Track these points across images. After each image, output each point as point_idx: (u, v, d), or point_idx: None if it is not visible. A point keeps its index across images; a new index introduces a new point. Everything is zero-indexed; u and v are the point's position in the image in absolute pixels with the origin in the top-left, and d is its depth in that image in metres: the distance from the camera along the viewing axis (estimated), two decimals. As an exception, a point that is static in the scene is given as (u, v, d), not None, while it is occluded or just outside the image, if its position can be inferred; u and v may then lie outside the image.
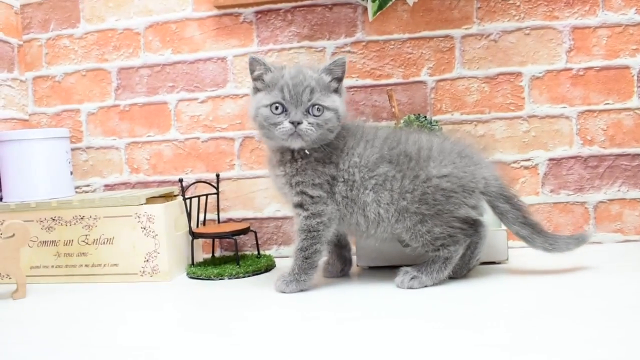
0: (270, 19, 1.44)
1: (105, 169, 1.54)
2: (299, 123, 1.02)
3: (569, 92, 1.36)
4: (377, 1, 1.36)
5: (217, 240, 1.47)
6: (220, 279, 1.24)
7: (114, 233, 1.27)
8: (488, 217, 1.22)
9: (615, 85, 1.35)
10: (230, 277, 1.24)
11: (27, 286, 1.20)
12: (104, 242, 1.28)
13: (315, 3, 1.43)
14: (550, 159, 1.37)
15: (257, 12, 1.45)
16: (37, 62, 1.56)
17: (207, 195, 1.42)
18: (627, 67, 1.34)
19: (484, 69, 1.38)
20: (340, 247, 1.19)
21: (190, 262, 1.34)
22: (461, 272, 1.09)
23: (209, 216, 1.45)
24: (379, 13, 1.38)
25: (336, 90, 1.09)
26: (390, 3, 1.36)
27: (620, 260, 1.19)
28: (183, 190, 1.32)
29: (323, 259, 1.13)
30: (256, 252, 1.40)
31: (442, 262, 1.06)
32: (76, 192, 1.54)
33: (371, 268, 1.23)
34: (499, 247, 1.18)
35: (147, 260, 1.26)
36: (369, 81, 1.42)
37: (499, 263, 1.20)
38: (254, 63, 1.08)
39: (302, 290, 1.08)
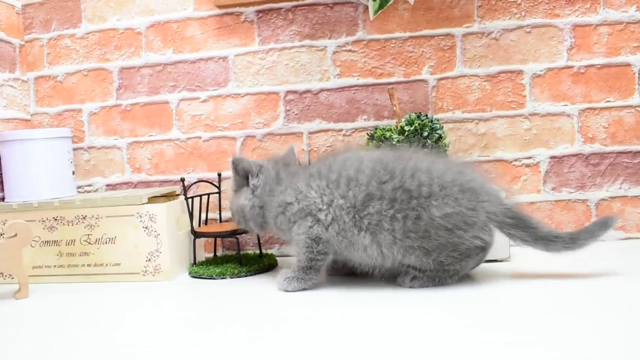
0: (272, 18, 1.44)
1: (107, 169, 1.54)
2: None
3: (570, 89, 1.36)
4: (378, 0, 1.36)
5: (219, 240, 1.47)
6: (222, 278, 1.24)
7: (116, 233, 1.27)
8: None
9: (616, 83, 1.34)
10: (232, 276, 1.24)
11: (29, 286, 1.20)
12: (106, 242, 1.28)
13: (316, 2, 1.43)
14: (552, 157, 1.37)
15: (258, 11, 1.45)
16: (39, 62, 1.56)
17: (208, 194, 1.42)
18: (628, 65, 1.34)
19: (485, 67, 1.38)
20: None
21: (192, 261, 1.35)
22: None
23: (210, 215, 1.45)
24: (380, 12, 1.38)
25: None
26: (391, 2, 1.36)
27: (622, 257, 1.19)
28: (185, 189, 1.32)
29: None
30: (258, 251, 1.40)
31: (450, 273, 1.05)
32: (78, 192, 1.54)
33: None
34: (500, 245, 1.18)
35: (149, 260, 1.26)
36: (370, 80, 1.42)
37: (500, 261, 1.20)
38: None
39: (304, 289, 1.08)
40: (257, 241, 1.42)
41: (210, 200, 1.43)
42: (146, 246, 1.26)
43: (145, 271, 1.26)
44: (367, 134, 1.28)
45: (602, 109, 1.35)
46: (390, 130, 1.24)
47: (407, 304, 0.95)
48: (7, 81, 1.49)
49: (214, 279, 1.24)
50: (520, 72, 1.37)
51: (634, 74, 1.34)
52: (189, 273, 1.30)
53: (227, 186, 1.47)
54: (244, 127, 1.47)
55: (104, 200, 1.28)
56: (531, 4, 1.36)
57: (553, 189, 1.38)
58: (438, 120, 1.25)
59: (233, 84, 1.47)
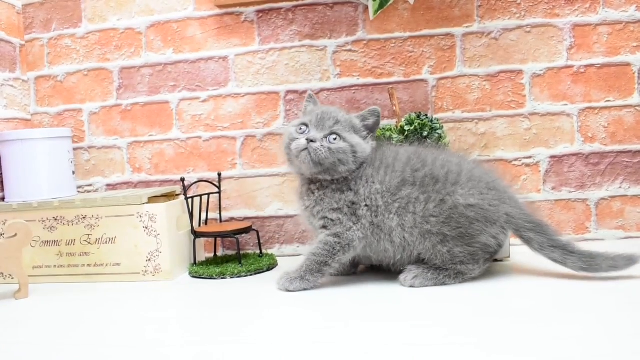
0: (272, 18, 1.45)
1: (107, 169, 1.54)
2: (312, 141, 1.05)
3: (570, 89, 1.36)
4: (378, 0, 1.36)
5: (219, 240, 1.47)
6: (222, 278, 1.24)
7: (116, 232, 1.27)
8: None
9: (616, 83, 1.34)
10: (233, 276, 1.24)
11: (29, 286, 1.20)
12: (106, 242, 1.28)
13: (316, 2, 1.43)
14: (552, 157, 1.37)
15: (259, 11, 1.45)
16: (39, 62, 1.56)
17: (209, 194, 1.42)
18: (628, 64, 1.34)
19: (485, 67, 1.38)
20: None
21: (192, 261, 1.35)
22: None
23: (210, 215, 1.45)
24: (380, 12, 1.38)
25: (365, 138, 1.12)
26: (391, 2, 1.36)
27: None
28: (185, 189, 1.32)
29: None
30: (258, 251, 1.40)
31: (454, 273, 1.05)
32: (78, 191, 1.54)
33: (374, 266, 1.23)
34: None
35: (149, 260, 1.26)
36: (370, 80, 1.42)
37: (500, 261, 1.21)
38: (308, 97, 1.17)
39: (305, 290, 1.08)
40: (257, 241, 1.42)
41: (210, 200, 1.43)
42: (146, 246, 1.26)
43: (146, 271, 1.26)
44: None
45: (601, 108, 1.35)
46: (390, 130, 1.24)
47: (405, 303, 0.95)
48: (8, 81, 1.49)
49: (214, 278, 1.24)
50: (520, 71, 1.37)
51: (634, 73, 1.34)
52: (189, 273, 1.30)
53: (227, 186, 1.47)
54: (244, 127, 1.47)
55: (104, 200, 1.28)
56: (531, 4, 1.36)
57: (553, 188, 1.38)
58: (438, 120, 1.25)
59: (233, 83, 1.47)
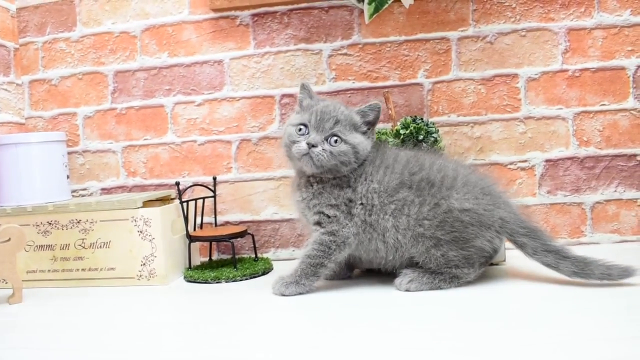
0: (267, 22, 1.44)
1: (101, 173, 1.54)
2: (313, 146, 1.05)
3: (565, 93, 1.36)
4: (373, 3, 1.36)
5: (214, 244, 1.47)
6: (217, 283, 1.23)
7: (110, 237, 1.27)
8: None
9: (611, 87, 1.35)
10: (228, 280, 1.24)
11: (23, 291, 1.20)
12: (100, 246, 1.28)
13: (312, 6, 1.43)
14: (547, 160, 1.37)
15: (254, 15, 1.45)
16: (34, 66, 1.56)
17: (204, 198, 1.41)
18: (622, 68, 1.34)
19: (480, 71, 1.38)
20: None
21: (187, 265, 1.34)
22: None
23: (206, 219, 1.45)
24: (375, 15, 1.38)
25: (365, 133, 1.11)
26: (386, 5, 1.37)
27: (617, 260, 1.19)
28: (180, 193, 1.32)
29: None
30: (253, 255, 1.40)
31: (449, 277, 1.05)
32: (73, 195, 1.54)
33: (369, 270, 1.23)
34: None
35: (144, 264, 1.25)
36: (365, 83, 1.42)
37: (496, 264, 1.21)
38: (301, 88, 1.15)
39: (300, 294, 1.08)
40: (252, 245, 1.41)
41: (205, 204, 1.43)
42: (141, 250, 1.25)
43: (140, 275, 1.26)
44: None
45: (596, 112, 1.36)
46: (386, 133, 1.24)
47: (400, 307, 0.95)
48: (2, 85, 1.49)
49: (209, 283, 1.24)
50: (515, 75, 1.37)
51: (629, 77, 1.34)
52: (184, 277, 1.29)
53: (222, 190, 1.47)
54: (239, 131, 1.47)
55: (98, 204, 1.27)
56: (526, 8, 1.36)
57: (548, 192, 1.38)
58: (433, 124, 1.25)
59: (228, 87, 1.47)
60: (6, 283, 1.31)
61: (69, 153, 1.53)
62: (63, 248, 1.30)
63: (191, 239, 1.32)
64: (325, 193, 1.09)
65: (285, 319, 0.94)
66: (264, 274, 1.29)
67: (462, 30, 1.38)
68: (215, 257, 1.48)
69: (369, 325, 0.87)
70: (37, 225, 1.30)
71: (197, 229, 1.40)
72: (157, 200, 1.37)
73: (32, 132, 1.56)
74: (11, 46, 1.53)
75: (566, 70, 1.36)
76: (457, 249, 1.04)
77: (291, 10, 1.44)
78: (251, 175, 1.47)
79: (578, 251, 1.03)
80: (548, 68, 1.36)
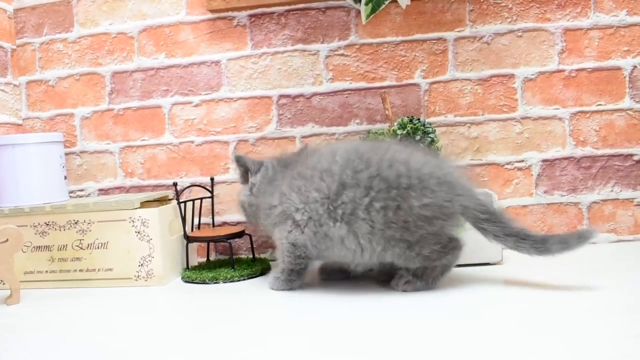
0: (264, 23, 1.45)
1: (99, 174, 1.54)
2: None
3: (562, 93, 1.37)
4: (370, 4, 1.37)
5: (211, 244, 1.47)
6: (215, 283, 1.24)
7: (108, 237, 1.27)
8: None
9: (607, 87, 1.35)
10: (225, 280, 1.24)
11: (21, 291, 1.20)
12: (98, 247, 1.28)
13: (309, 6, 1.43)
14: (544, 160, 1.38)
15: (251, 16, 1.45)
16: (31, 67, 1.56)
17: (201, 199, 1.42)
18: (618, 69, 1.35)
19: (477, 71, 1.38)
20: None
21: (184, 266, 1.34)
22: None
23: (203, 220, 1.45)
24: (372, 16, 1.39)
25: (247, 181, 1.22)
26: (383, 6, 1.37)
27: (614, 260, 1.20)
28: (177, 194, 1.32)
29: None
30: (251, 256, 1.40)
31: (440, 269, 1.05)
32: (70, 196, 1.54)
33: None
34: (492, 248, 1.18)
35: (142, 265, 1.26)
36: (362, 84, 1.42)
37: (493, 264, 1.21)
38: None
39: (291, 289, 1.10)
40: (250, 245, 1.42)
41: (203, 204, 1.43)
42: (139, 251, 1.26)
43: (138, 276, 1.26)
44: (360, 138, 1.28)
45: (593, 112, 1.36)
46: (383, 134, 1.24)
47: (396, 308, 0.95)
48: (-1, 86, 1.49)
49: (207, 283, 1.24)
50: (511, 76, 1.38)
51: (625, 77, 1.35)
52: (182, 278, 1.29)
53: (220, 191, 1.47)
54: (236, 132, 1.47)
55: (96, 205, 1.27)
56: (522, 9, 1.37)
57: (545, 192, 1.38)
58: (430, 124, 1.25)
59: (226, 88, 1.47)
60: (4, 284, 1.31)
61: (66, 154, 1.53)
62: (61, 249, 1.30)
63: (189, 239, 1.32)
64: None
65: (284, 319, 0.94)
66: (261, 274, 1.29)
67: (458, 31, 1.39)
68: (213, 257, 1.48)
69: (368, 325, 0.87)
70: (35, 226, 1.30)
71: (194, 229, 1.41)
72: (154, 201, 1.37)
73: (30, 133, 1.56)
74: (8, 47, 1.53)
75: (562, 71, 1.36)
76: (430, 245, 1.01)
77: (288, 11, 1.44)
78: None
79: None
80: (544, 68, 1.37)
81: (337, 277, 1.18)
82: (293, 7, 1.43)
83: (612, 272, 1.09)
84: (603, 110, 1.36)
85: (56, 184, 1.41)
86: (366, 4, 1.37)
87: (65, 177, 1.45)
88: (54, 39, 1.54)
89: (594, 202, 1.37)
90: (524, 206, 1.38)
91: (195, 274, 1.27)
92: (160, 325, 0.97)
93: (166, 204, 1.38)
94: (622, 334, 0.76)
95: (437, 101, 1.40)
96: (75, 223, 1.28)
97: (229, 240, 1.29)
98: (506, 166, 1.39)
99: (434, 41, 1.40)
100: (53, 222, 1.30)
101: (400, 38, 1.40)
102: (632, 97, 1.35)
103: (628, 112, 1.35)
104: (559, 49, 1.36)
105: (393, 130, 1.23)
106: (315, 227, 1.05)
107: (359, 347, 0.78)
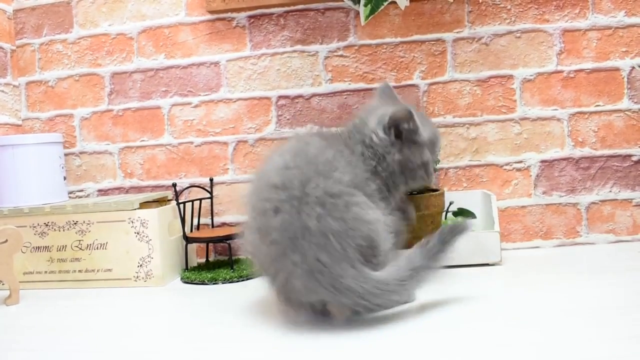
0: (263, 24, 1.45)
1: (98, 174, 1.54)
2: None
3: (560, 94, 1.37)
4: (369, 5, 1.37)
5: (211, 245, 1.47)
6: (214, 284, 1.24)
7: (107, 238, 1.27)
8: (481, 219, 1.22)
9: (605, 87, 1.36)
10: (224, 281, 1.24)
11: (20, 292, 1.20)
12: (97, 247, 1.28)
13: (308, 8, 1.43)
14: (542, 161, 1.38)
15: (250, 17, 1.45)
16: (30, 67, 1.56)
17: (200, 199, 1.42)
18: (617, 69, 1.35)
19: (476, 72, 1.39)
20: None
21: (184, 266, 1.34)
22: None
23: (202, 221, 1.45)
24: (371, 17, 1.38)
25: None
26: (382, 7, 1.37)
27: (612, 260, 1.20)
28: (177, 194, 1.32)
29: None
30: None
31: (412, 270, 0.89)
32: (69, 197, 1.54)
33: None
34: (491, 248, 1.19)
35: (141, 265, 1.26)
36: (361, 85, 1.42)
37: (492, 265, 1.21)
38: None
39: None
40: (249, 246, 1.42)
41: (202, 205, 1.43)
42: (138, 252, 1.26)
43: (137, 277, 1.26)
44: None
45: (591, 113, 1.36)
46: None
47: (398, 307, 0.96)
48: (-2, 86, 1.49)
49: (206, 284, 1.24)
50: (510, 76, 1.38)
51: (623, 78, 1.35)
52: (181, 278, 1.30)
53: (219, 191, 1.47)
54: (236, 132, 1.47)
55: (95, 206, 1.28)
56: (521, 10, 1.37)
57: (544, 192, 1.38)
58: (429, 125, 1.25)
59: (225, 89, 1.47)
60: (3, 284, 1.31)
61: (65, 154, 1.53)
62: (60, 249, 1.30)
63: (188, 240, 1.32)
64: None
65: (283, 320, 0.94)
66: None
67: (457, 32, 1.39)
68: (212, 258, 1.48)
69: (368, 325, 0.88)
70: (34, 227, 1.30)
71: (194, 230, 1.41)
72: (154, 201, 1.37)
73: (29, 133, 1.56)
74: (8, 48, 1.53)
75: (561, 72, 1.37)
76: (370, 256, 0.87)
77: (287, 12, 1.44)
78: (248, 177, 1.47)
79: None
80: (543, 69, 1.37)
81: None
82: (292, 8, 1.43)
83: (611, 273, 1.09)
84: (601, 111, 1.36)
85: (55, 184, 1.41)
86: (365, 5, 1.37)
87: (65, 178, 1.45)
88: (53, 40, 1.54)
89: (593, 203, 1.37)
90: (523, 207, 1.38)
91: (194, 274, 1.27)
92: (159, 325, 0.97)
93: (165, 204, 1.38)
94: (622, 335, 0.76)
95: (436, 102, 1.40)
96: (75, 224, 1.29)
97: (228, 241, 1.29)
98: (505, 167, 1.39)
99: (432, 42, 1.40)
100: (52, 222, 1.30)
101: (399, 39, 1.41)
102: (630, 98, 1.35)
103: (626, 112, 1.36)
104: (557, 50, 1.36)
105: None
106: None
107: (359, 347, 0.78)
